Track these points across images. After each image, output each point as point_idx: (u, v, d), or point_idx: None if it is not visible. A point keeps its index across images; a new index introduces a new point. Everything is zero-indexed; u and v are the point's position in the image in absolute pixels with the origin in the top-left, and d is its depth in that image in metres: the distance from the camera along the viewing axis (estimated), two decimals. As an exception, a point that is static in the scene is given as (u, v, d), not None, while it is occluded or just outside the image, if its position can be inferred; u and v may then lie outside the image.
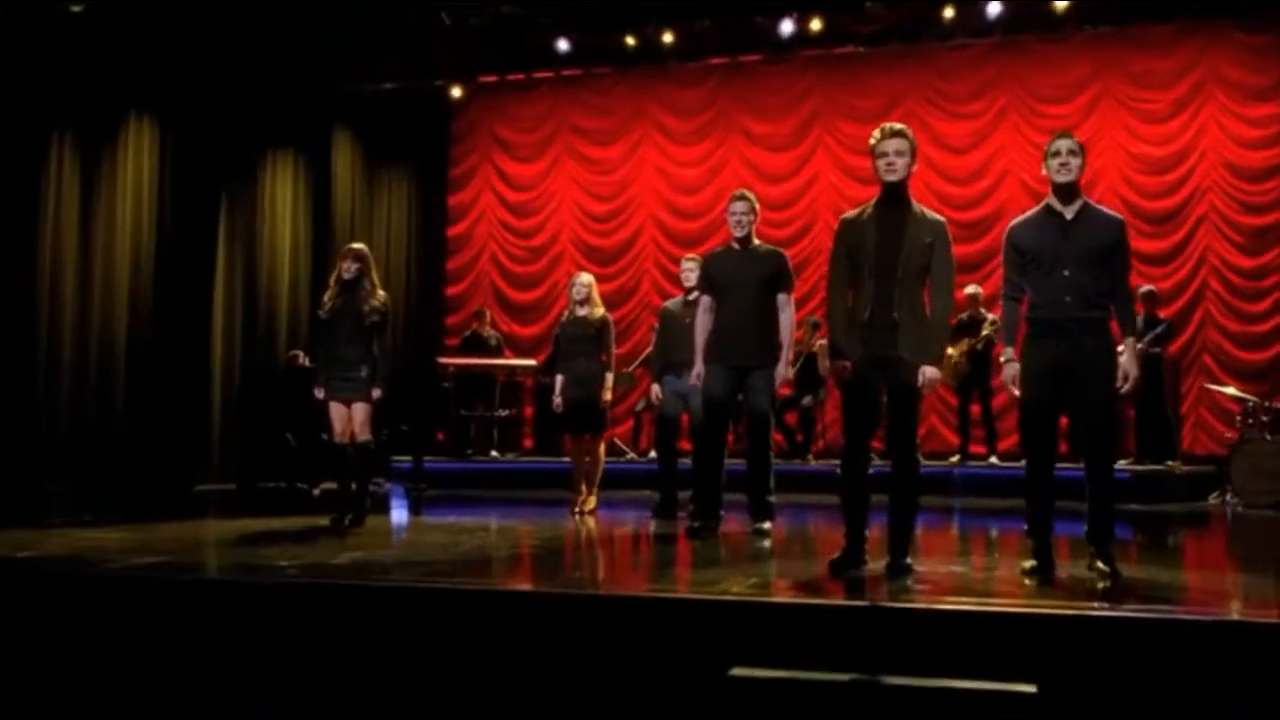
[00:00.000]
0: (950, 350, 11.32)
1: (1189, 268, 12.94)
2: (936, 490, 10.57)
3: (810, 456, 12.08)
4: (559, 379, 8.64)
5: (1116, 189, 13.04)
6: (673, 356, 8.02)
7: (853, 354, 5.42)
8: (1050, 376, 5.29)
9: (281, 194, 13.56)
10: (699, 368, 7.10)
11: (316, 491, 10.69)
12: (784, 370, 7.10)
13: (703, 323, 7.11)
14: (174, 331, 11.90)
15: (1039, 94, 13.45)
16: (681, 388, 7.98)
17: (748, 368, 6.94)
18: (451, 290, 15.19)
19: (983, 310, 11.60)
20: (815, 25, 13.13)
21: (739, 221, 7.05)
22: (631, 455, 12.48)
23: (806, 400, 12.08)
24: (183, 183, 12.14)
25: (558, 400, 8.61)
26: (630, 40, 13.49)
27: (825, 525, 8.43)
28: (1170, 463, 10.96)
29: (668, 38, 13.35)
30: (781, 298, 7.03)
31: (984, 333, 11.45)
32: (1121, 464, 10.99)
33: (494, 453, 12.70)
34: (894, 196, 5.48)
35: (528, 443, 13.83)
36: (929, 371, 5.37)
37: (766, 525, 7.14)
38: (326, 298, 7.68)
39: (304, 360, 11.85)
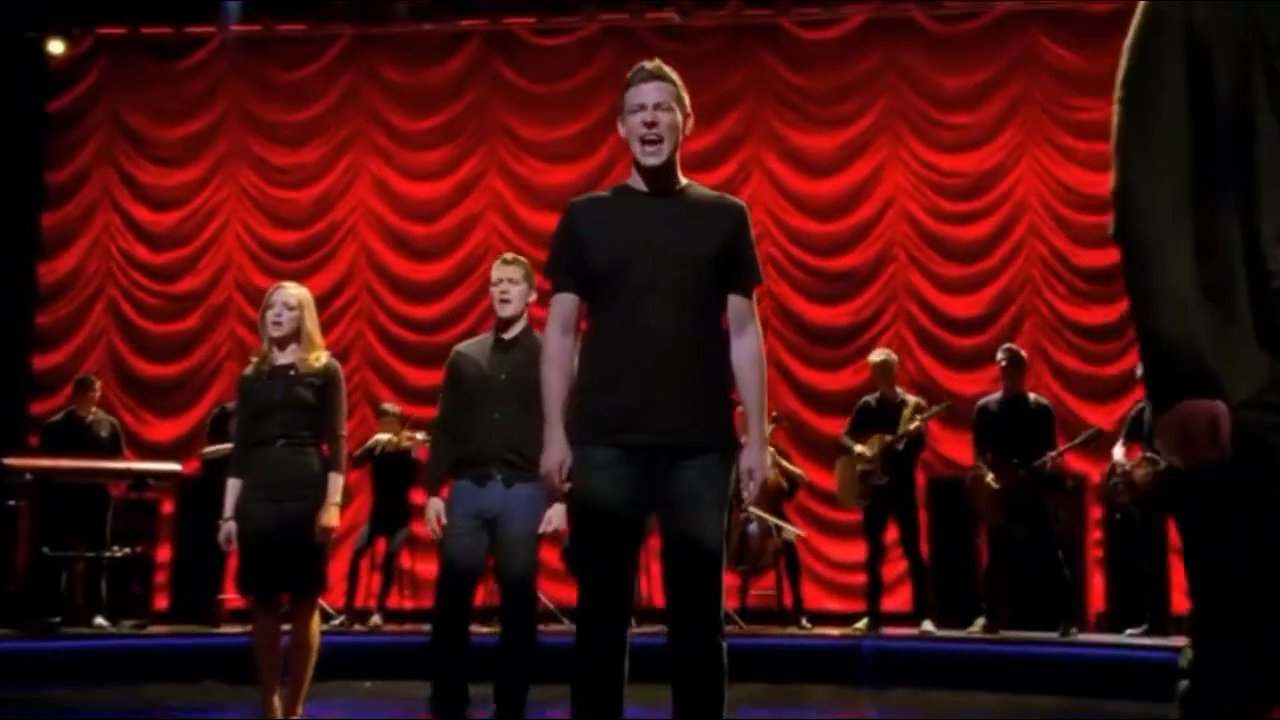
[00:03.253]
0: (860, 450, 9.02)
1: (1142, 350, 10.72)
2: (834, 673, 8.39)
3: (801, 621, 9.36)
4: (232, 486, 5.70)
5: (1041, 231, 11.02)
6: (469, 445, 5.49)
7: (1235, 384, 2.02)
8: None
9: None
10: (556, 453, 3.91)
11: None
12: (760, 460, 3.90)
13: (560, 352, 4.01)
14: None
15: (936, 95, 11.33)
16: (487, 506, 5.39)
17: (673, 451, 3.84)
18: (42, 361, 12.05)
19: (899, 391, 9.31)
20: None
21: (650, 124, 3.89)
22: (339, 621, 9.46)
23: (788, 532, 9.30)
24: None
25: (229, 529, 5.63)
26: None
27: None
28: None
29: (401, -22, 10.75)
30: (738, 302, 3.99)
31: (908, 426, 8.91)
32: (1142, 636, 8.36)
33: (101, 621, 9.57)
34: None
35: (162, 603, 10.86)
36: None
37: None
38: None
39: None
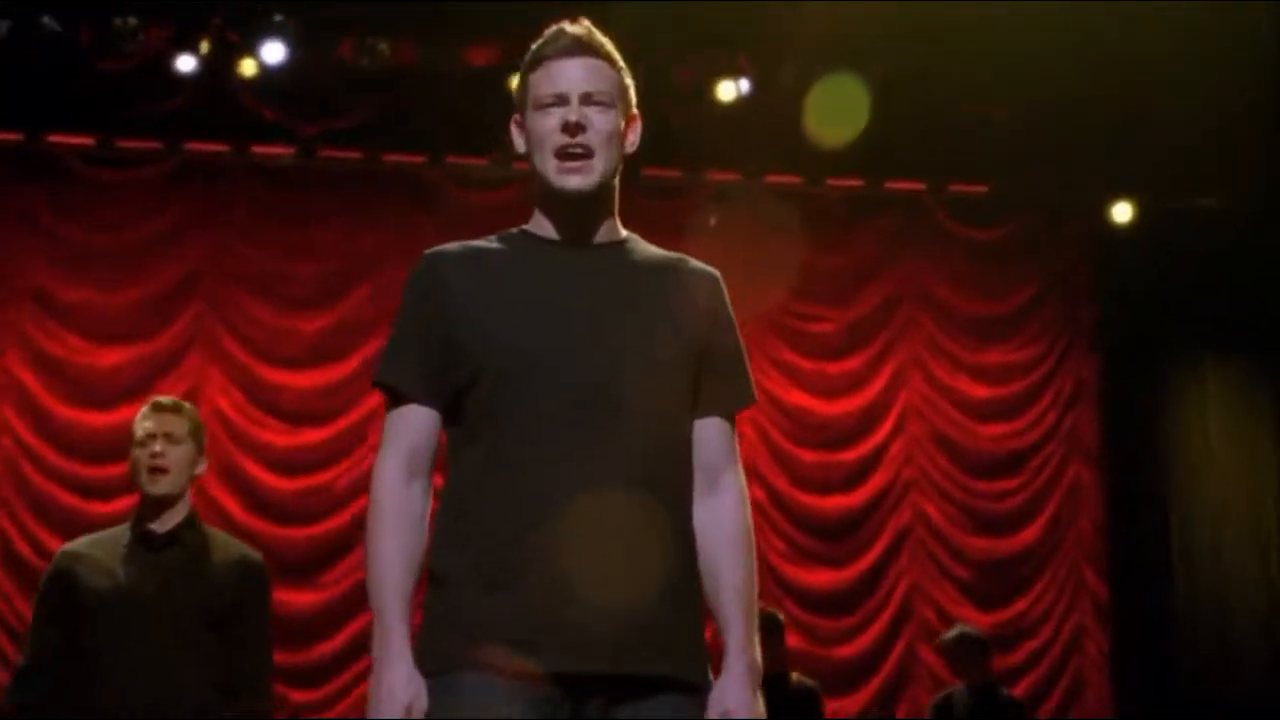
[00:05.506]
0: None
1: (882, 628, 9.65)
2: None
3: None
4: None
5: (758, 468, 9.43)
6: (88, 703, 4.23)
7: None
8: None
9: None
10: (400, 684, 2.53)
11: None
12: (745, 697, 2.65)
13: (403, 510, 2.70)
14: None
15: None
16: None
17: (614, 686, 2.61)
18: None
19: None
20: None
21: (573, 128, 2.79)
22: None
23: None
24: None
25: None
26: None
27: None
28: None
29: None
30: (714, 433, 2.85)
31: None
32: None
33: None
34: None
35: None
36: None
37: None
38: None
39: None
